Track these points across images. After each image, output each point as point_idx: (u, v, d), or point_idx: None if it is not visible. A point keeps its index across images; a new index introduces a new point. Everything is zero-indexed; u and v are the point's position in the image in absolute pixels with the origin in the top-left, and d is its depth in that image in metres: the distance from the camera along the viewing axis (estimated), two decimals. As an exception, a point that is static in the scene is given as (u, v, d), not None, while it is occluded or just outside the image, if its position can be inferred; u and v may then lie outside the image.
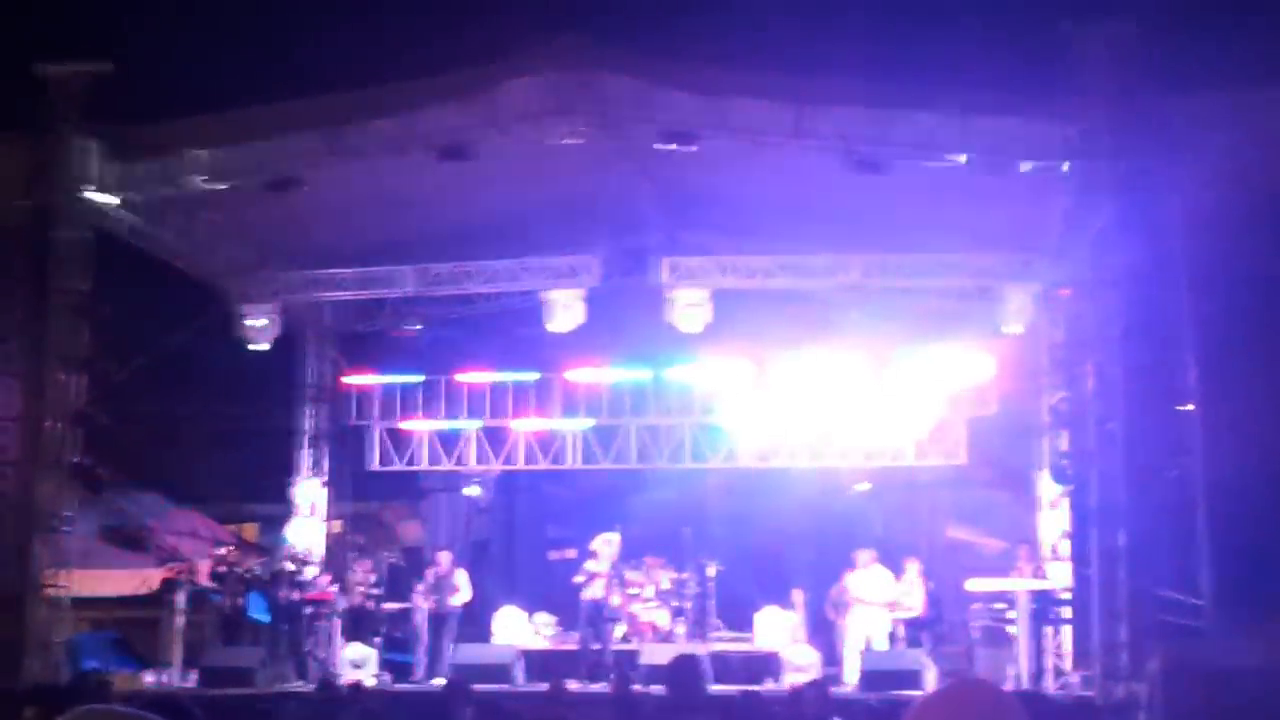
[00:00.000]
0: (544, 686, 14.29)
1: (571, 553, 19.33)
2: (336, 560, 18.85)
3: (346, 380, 20.04)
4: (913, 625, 16.92)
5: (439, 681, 16.04)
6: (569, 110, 15.22)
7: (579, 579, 17.28)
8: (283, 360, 19.69)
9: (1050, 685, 15.45)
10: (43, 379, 15.76)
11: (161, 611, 18.33)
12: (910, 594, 16.97)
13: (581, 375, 19.21)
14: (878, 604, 16.89)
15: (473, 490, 20.84)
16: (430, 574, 17.90)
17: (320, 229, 18.04)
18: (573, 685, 14.45)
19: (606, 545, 17.40)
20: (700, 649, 16.11)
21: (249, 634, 17.76)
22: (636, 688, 13.73)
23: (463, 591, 17.77)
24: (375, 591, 18.03)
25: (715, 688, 14.55)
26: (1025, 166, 14.16)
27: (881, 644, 16.81)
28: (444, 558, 18.25)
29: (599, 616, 17.14)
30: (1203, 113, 13.24)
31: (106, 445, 16.32)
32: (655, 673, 14.09)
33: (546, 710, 12.98)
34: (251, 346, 18.43)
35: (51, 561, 15.54)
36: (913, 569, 17.13)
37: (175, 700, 13.43)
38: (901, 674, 15.19)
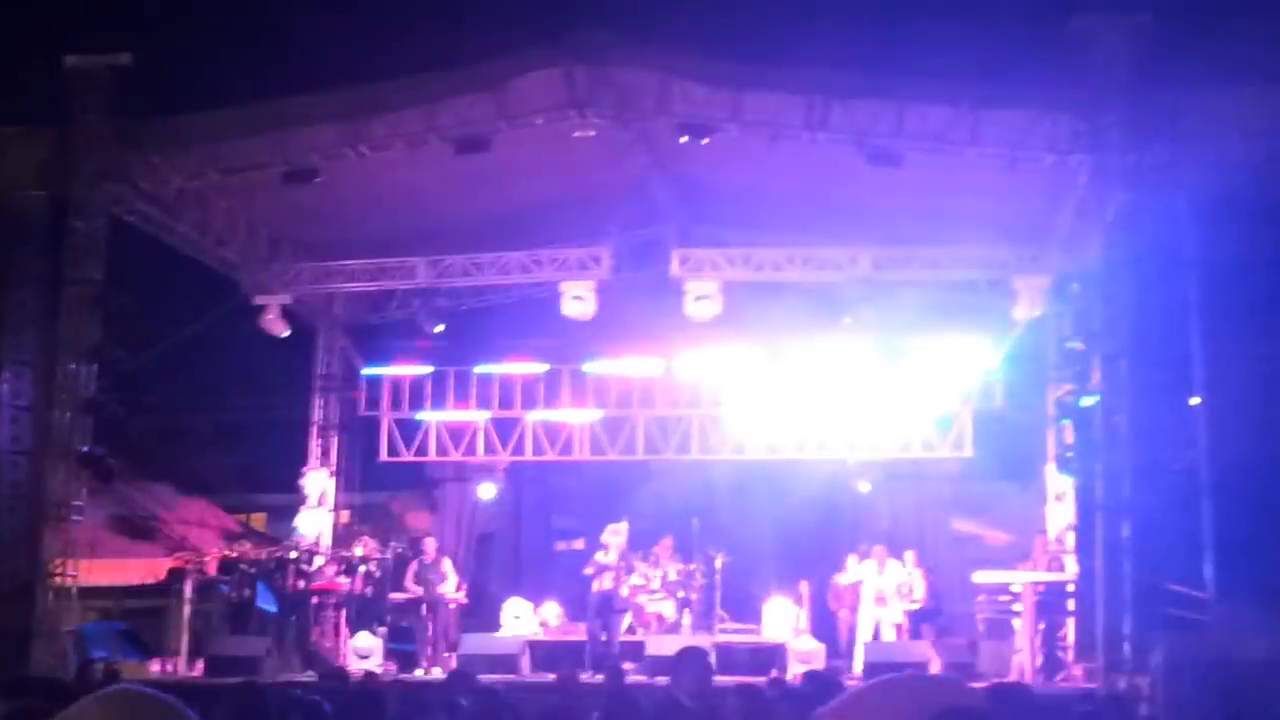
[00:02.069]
0: (549, 677, 14.33)
1: (579, 543, 19.38)
2: (344, 549, 18.86)
3: (366, 373, 20.07)
4: (914, 617, 17.00)
5: (438, 672, 16.11)
6: (585, 103, 15.36)
7: (589, 571, 17.28)
8: (293, 351, 19.72)
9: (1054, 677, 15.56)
10: (54, 368, 15.83)
11: (169, 601, 18.33)
12: (909, 585, 17.08)
13: (598, 367, 19.22)
14: (877, 597, 16.99)
15: (486, 489, 20.75)
16: (416, 563, 17.85)
17: (334, 220, 18.10)
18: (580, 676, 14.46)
19: (615, 536, 17.39)
20: (705, 640, 16.16)
21: (256, 623, 17.79)
22: (638, 679, 13.77)
23: (450, 579, 17.72)
24: (376, 572, 18.07)
25: (718, 679, 14.59)
26: (1037, 160, 14.28)
27: (889, 636, 16.86)
28: (430, 545, 18.18)
29: (608, 608, 17.12)
30: (1215, 107, 13.35)
31: (117, 435, 16.37)
32: (661, 664, 14.13)
33: (554, 701, 13.02)
34: (278, 335, 18.41)
35: (61, 550, 15.61)
36: (909, 560, 17.24)
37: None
38: (904, 666, 15.21)
